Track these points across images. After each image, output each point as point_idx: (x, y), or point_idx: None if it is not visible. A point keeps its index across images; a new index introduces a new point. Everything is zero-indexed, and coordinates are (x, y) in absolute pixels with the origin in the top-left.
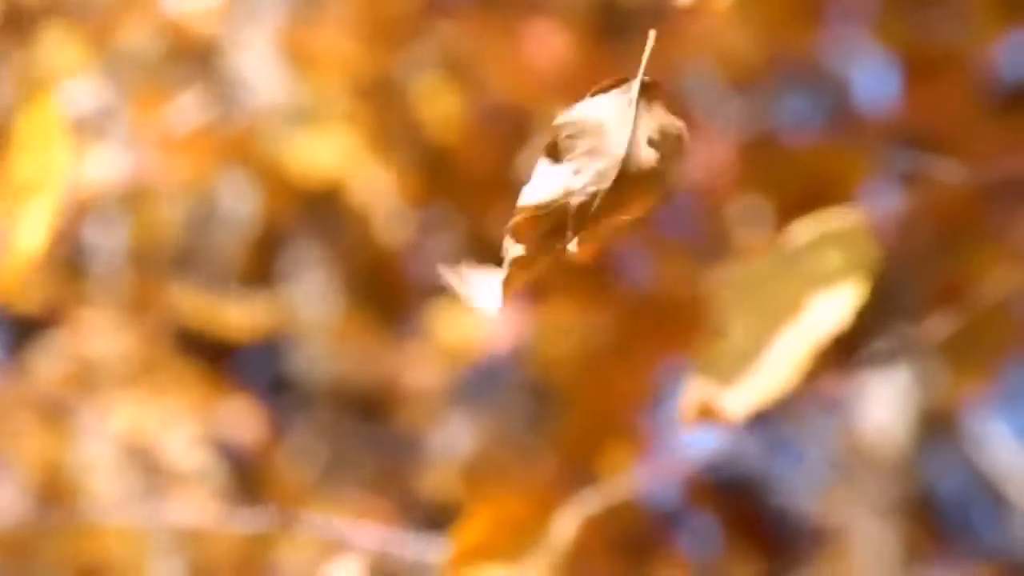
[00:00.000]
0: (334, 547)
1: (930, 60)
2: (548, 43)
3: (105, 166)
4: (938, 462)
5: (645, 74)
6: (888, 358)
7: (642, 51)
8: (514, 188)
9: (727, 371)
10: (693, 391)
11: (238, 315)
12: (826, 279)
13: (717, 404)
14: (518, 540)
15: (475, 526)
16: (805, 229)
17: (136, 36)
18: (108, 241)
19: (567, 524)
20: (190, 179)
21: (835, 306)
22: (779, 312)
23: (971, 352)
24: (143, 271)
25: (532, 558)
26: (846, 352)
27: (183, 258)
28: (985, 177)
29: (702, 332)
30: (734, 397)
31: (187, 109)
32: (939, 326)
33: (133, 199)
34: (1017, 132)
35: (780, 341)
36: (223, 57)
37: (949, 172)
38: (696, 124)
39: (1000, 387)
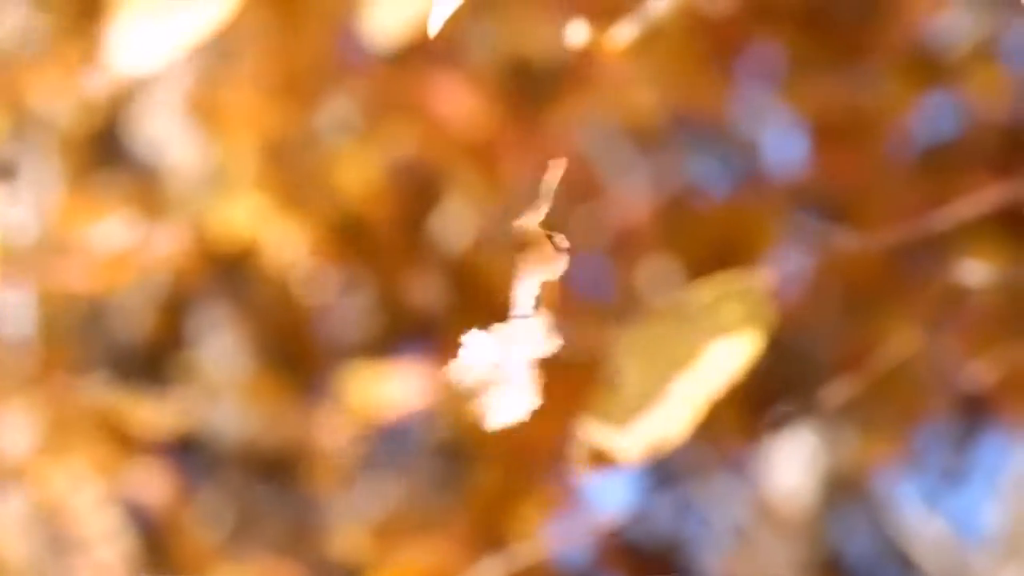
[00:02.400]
0: None
1: (840, 122)
2: (458, 102)
3: (17, 231)
4: (845, 525)
5: (555, 141)
6: (794, 420)
7: (554, 112)
8: (426, 248)
9: (620, 417)
10: (586, 436)
11: (148, 414)
12: (721, 331)
13: (610, 448)
14: None
15: None
16: (705, 288)
17: (47, 95)
18: (17, 305)
19: None
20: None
21: (730, 357)
22: (673, 361)
23: (881, 416)
24: (53, 334)
25: None
26: (753, 415)
27: (93, 320)
28: (883, 241)
29: (597, 382)
30: (627, 441)
31: (115, 228)
32: (843, 388)
33: (41, 262)
34: (927, 194)
35: (674, 388)
36: (135, 118)
37: (846, 239)
38: (605, 185)
39: (908, 450)
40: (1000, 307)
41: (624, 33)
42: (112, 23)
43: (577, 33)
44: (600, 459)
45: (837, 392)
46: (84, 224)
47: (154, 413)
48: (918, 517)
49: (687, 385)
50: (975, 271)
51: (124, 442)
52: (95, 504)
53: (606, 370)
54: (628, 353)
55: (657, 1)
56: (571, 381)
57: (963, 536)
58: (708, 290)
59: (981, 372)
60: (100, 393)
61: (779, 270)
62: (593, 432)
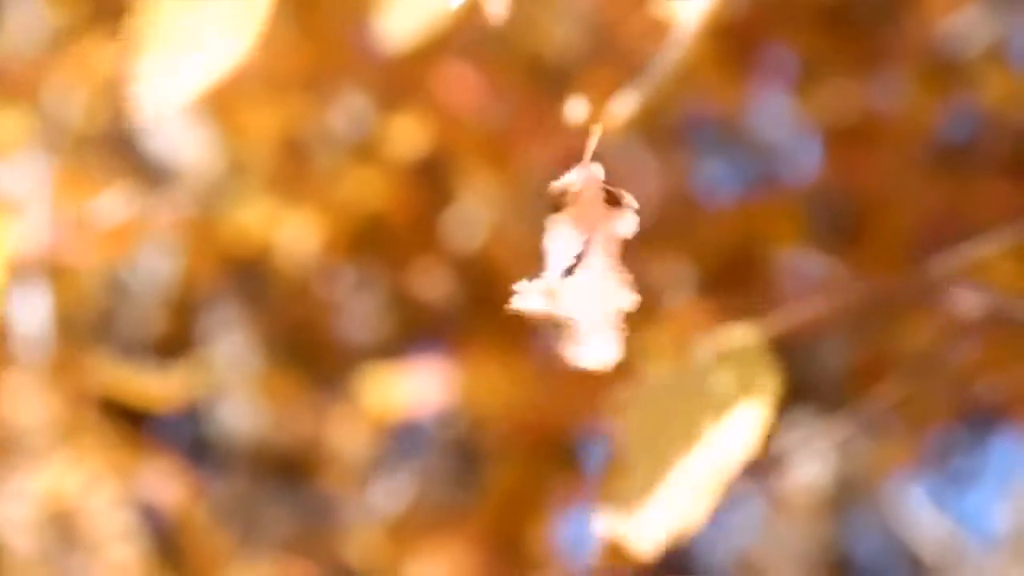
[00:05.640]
0: None
1: (855, 126)
2: (472, 97)
3: (28, 235)
4: (856, 525)
5: (572, 136)
6: (810, 434)
7: (568, 106)
8: (440, 244)
9: (634, 508)
10: (603, 532)
11: (157, 386)
12: (726, 406)
13: (627, 544)
14: None
15: None
16: (704, 349)
17: (60, 94)
18: (32, 305)
19: None
20: (111, 256)
21: (739, 436)
22: (681, 444)
23: (894, 422)
24: (66, 334)
25: None
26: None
27: (105, 321)
28: (887, 285)
29: (606, 466)
30: (643, 535)
31: (115, 201)
32: (858, 412)
33: (55, 263)
34: (942, 199)
35: (685, 474)
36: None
37: (852, 284)
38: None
39: (920, 454)
40: (1003, 328)
41: (624, 106)
42: (135, 62)
43: (576, 110)
44: (619, 554)
45: (854, 415)
46: (85, 199)
47: (163, 386)
48: (928, 518)
49: (698, 470)
50: (969, 300)
51: (137, 442)
52: (110, 505)
53: (614, 454)
54: (633, 435)
55: (663, 58)
56: (583, 377)
57: (972, 537)
58: (706, 351)
59: (988, 389)
60: (110, 369)
61: (785, 317)
62: (608, 527)
